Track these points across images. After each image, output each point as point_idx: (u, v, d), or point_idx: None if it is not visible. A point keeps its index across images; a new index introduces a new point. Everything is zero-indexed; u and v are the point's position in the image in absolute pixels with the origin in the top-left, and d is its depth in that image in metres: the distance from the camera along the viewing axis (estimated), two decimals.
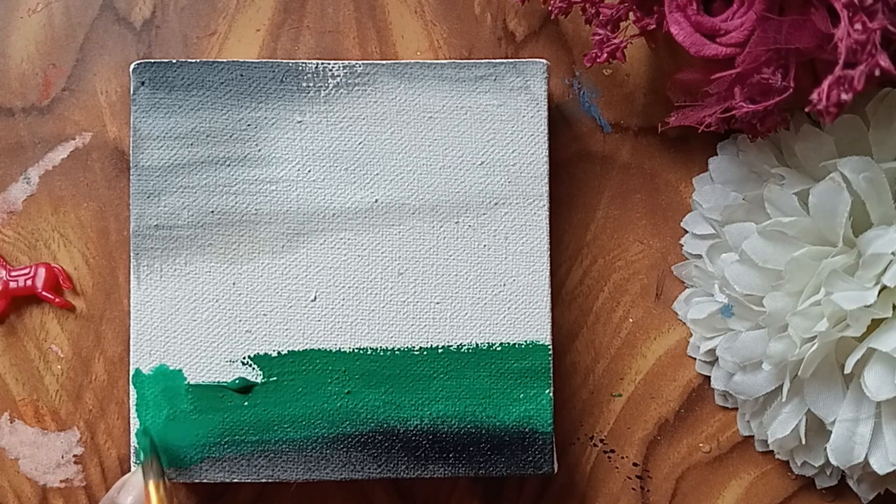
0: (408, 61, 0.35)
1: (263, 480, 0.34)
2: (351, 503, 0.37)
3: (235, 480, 0.34)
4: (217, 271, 0.34)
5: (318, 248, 0.34)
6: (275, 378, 0.34)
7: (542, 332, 0.34)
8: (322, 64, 0.35)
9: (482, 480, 0.37)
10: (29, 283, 0.36)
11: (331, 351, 0.34)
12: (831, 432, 0.33)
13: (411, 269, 0.34)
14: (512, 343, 0.34)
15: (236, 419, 0.34)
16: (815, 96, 0.28)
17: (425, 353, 0.34)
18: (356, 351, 0.34)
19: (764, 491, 0.37)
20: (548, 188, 0.35)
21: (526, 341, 0.34)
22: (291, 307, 0.34)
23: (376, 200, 0.35)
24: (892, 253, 0.31)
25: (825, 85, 0.28)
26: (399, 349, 0.34)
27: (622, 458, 0.37)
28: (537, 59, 0.35)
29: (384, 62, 0.35)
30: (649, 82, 0.38)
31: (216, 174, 0.34)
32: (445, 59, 0.38)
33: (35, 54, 0.37)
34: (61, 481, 0.37)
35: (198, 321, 0.34)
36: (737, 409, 0.37)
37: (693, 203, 0.37)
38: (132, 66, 0.34)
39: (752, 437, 0.37)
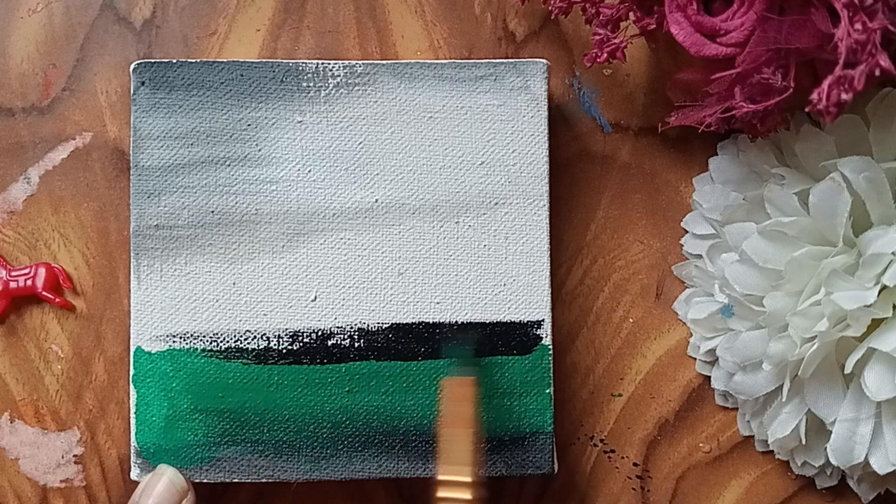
0: (408, 61, 0.35)
1: (263, 480, 0.34)
2: (351, 503, 0.37)
3: (235, 480, 0.34)
4: (217, 271, 0.34)
5: (318, 248, 0.34)
6: (275, 377, 0.34)
7: (542, 332, 0.34)
8: (322, 64, 0.35)
9: (482, 480, 0.37)
10: (29, 283, 0.36)
11: (331, 350, 0.34)
12: (831, 432, 0.33)
13: (411, 269, 0.35)
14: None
15: (236, 419, 0.34)
16: (815, 96, 0.28)
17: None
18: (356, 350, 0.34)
19: (764, 491, 0.37)
20: (548, 188, 0.35)
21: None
22: (291, 307, 0.34)
23: (376, 200, 0.35)
24: (892, 253, 0.31)
25: (825, 85, 0.28)
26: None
27: (622, 458, 0.37)
28: (537, 59, 0.35)
29: (384, 62, 0.35)
30: (649, 82, 0.38)
31: (216, 174, 0.34)
32: (445, 59, 0.38)
33: (35, 54, 0.37)
34: (61, 481, 0.37)
35: (198, 321, 0.34)
36: (737, 409, 0.37)
37: (693, 203, 0.37)
38: (132, 66, 0.34)
39: (753, 437, 0.37)
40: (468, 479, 0.30)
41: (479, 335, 0.34)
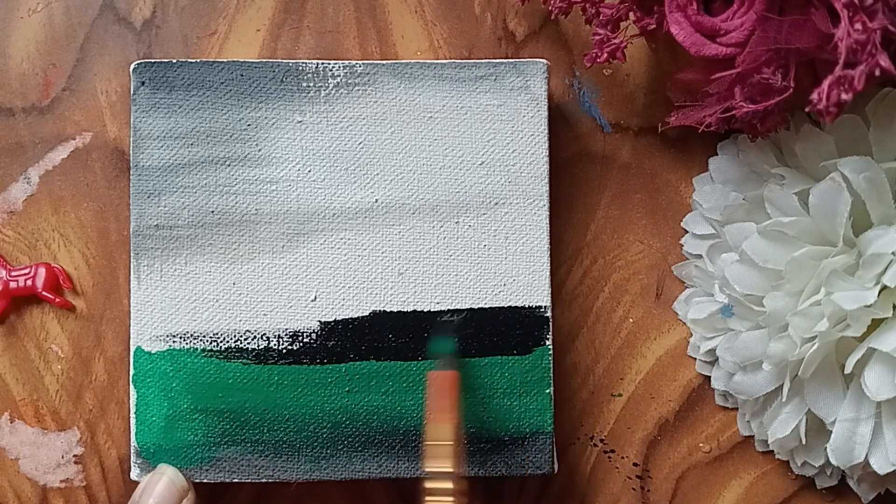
0: (408, 61, 0.35)
1: (263, 480, 0.34)
2: (351, 503, 0.37)
3: (235, 480, 0.34)
4: (217, 271, 0.34)
5: (318, 248, 0.34)
6: (275, 377, 0.34)
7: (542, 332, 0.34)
8: (322, 64, 0.35)
9: (482, 480, 0.37)
10: (29, 283, 0.36)
11: (331, 350, 0.34)
12: (831, 432, 0.33)
13: (411, 269, 0.34)
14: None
15: (236, 419, 0.34)
16: (815, 96, 0.28)
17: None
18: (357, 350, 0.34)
19: (764, 491, 0.37)
20: (548, 188, 0.35)
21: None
22: (291, 307, 0.34)
23: (376, 200, 0.35)
24: (893, 253, 0.31)
25: (825, 85, 0.28)
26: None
27: (622, 458, 0.37)
28: (537, 59, 0.35)
29: (384, 62, 0.35)
30: (649, 82, 0.38)
31: (216, 174, 0.34)
32: (445, 59, 0.38)
33: (35, 54, 0.37)
34: (61, 481, 0.37)
35: (198, 321, 0.34)
36: (737, 409, 0.37)
37: (693, 203, 0.37)
38: (132, 66, 0.34)
39: (753, 437, 0.37)
40: (451, 470, 0.31)
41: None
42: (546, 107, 0.35)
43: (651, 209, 0.38)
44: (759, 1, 0.30)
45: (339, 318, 0.34)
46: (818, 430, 0.34)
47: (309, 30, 0.38)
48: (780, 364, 0.33)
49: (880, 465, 0.32)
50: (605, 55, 0.33)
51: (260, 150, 0.34)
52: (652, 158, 0.38)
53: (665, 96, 0.37)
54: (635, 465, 0.37)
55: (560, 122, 0.38)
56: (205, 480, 0.34)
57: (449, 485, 0.30)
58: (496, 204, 0.35)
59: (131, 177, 0.34)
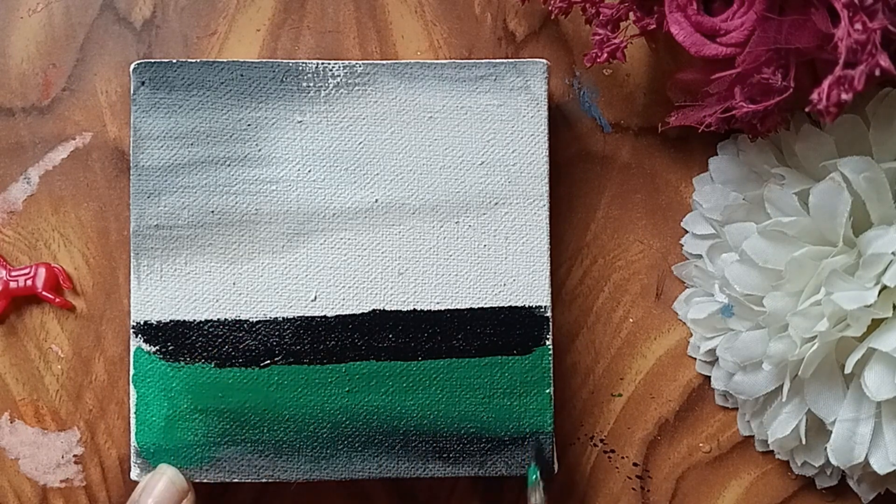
0: (408, 61, 0.35)
1: (263, 480, 0.34)
2: (351, 503, 0.37)
3: (235, 480, 0.34)
4: (217, 271, 0.34)
5: (318, 248, 0.34)
6: (275, 377, 0.34)
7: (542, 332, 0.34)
8: (322, 64, 0.35)
9: (482, 480, 0.37)
10: (29, 283, 0.36)
11: (331, 350, 0.34)
12: (831, 432, 0.33)
13: (411, 269, 0.34)
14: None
15: (236, 419, 0.34)
16: (815, 96, 0.28)
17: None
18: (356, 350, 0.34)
19: (764, 491, 0.37)
20: (548, 188, 0.35)
21: None
22: (291, 307, 0.34)
23: (376, 200, 0.35)
24: (893, 253, 0.31)
25: (825, 85, 0.28)
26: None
27: (622, 458, 0.37)
28: (537, 59, 0.35)
29: (384, 62, 0.35)
30: (649, 82, 0.38)
31: (216, 174, 0.34)
32: (445, 59, 0.38)
33: (35, 54, 0.37)
34: (61, 481, 0.37)
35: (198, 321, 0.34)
36: (737, 409, 0.37)
37: (693, 203, 0.37)
38: (132, 66, 0.34)
39: (753, 437, 0.37)
40: None
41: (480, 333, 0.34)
42: (546, 107, 0.35)
43: (651, 209, 0.38)
44: (759, 1, 0.30)
45: (339, 317, 0.34)
46: (818, 430, 0.34)
47: (309, 30, 0.38)
48: (780, 364, 0.33)
49: (880, 465, 0.32)
50: (605, 55, 0.33)
51: (260, 150, 0.34)
52: (652, 158, 0.38)
53: (665, 96, 0.37)
54: (635, 465, 0.37)
55: (560, 122, 0.38)
56: (205, 480, 0.34)
57: None
58: (496, 204, 0.35)
59: (131, 177, 0.34)
